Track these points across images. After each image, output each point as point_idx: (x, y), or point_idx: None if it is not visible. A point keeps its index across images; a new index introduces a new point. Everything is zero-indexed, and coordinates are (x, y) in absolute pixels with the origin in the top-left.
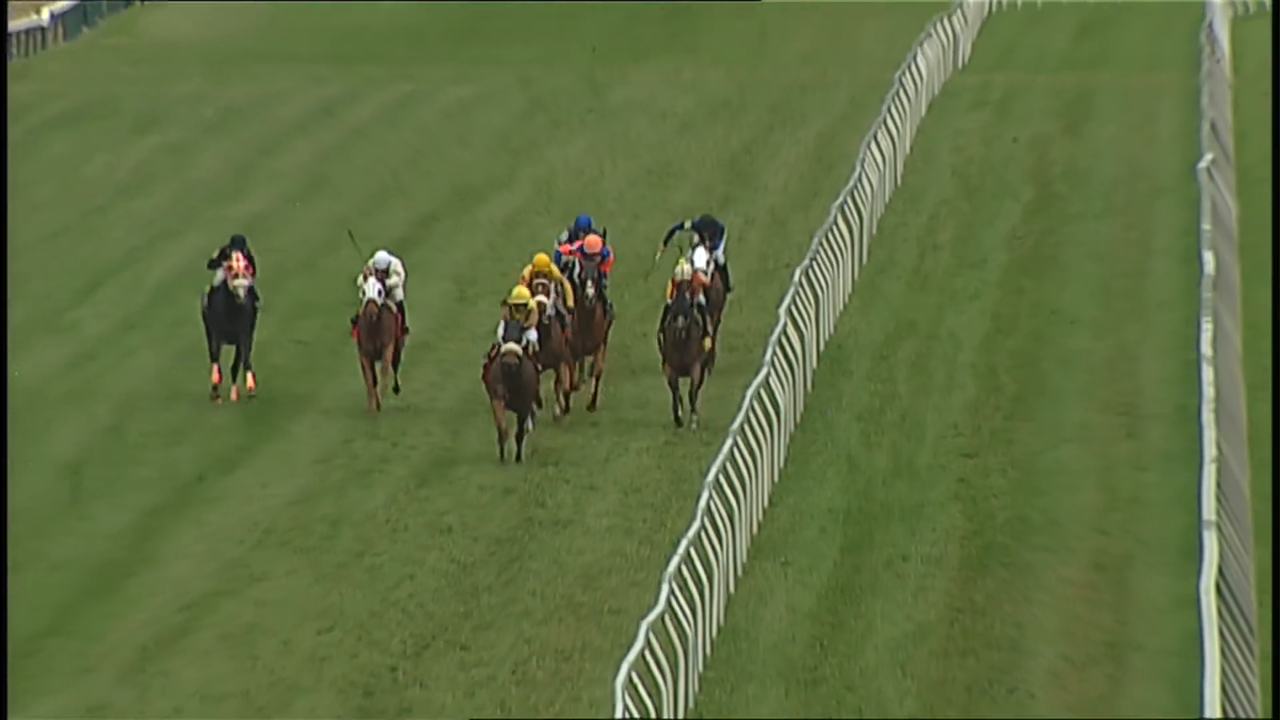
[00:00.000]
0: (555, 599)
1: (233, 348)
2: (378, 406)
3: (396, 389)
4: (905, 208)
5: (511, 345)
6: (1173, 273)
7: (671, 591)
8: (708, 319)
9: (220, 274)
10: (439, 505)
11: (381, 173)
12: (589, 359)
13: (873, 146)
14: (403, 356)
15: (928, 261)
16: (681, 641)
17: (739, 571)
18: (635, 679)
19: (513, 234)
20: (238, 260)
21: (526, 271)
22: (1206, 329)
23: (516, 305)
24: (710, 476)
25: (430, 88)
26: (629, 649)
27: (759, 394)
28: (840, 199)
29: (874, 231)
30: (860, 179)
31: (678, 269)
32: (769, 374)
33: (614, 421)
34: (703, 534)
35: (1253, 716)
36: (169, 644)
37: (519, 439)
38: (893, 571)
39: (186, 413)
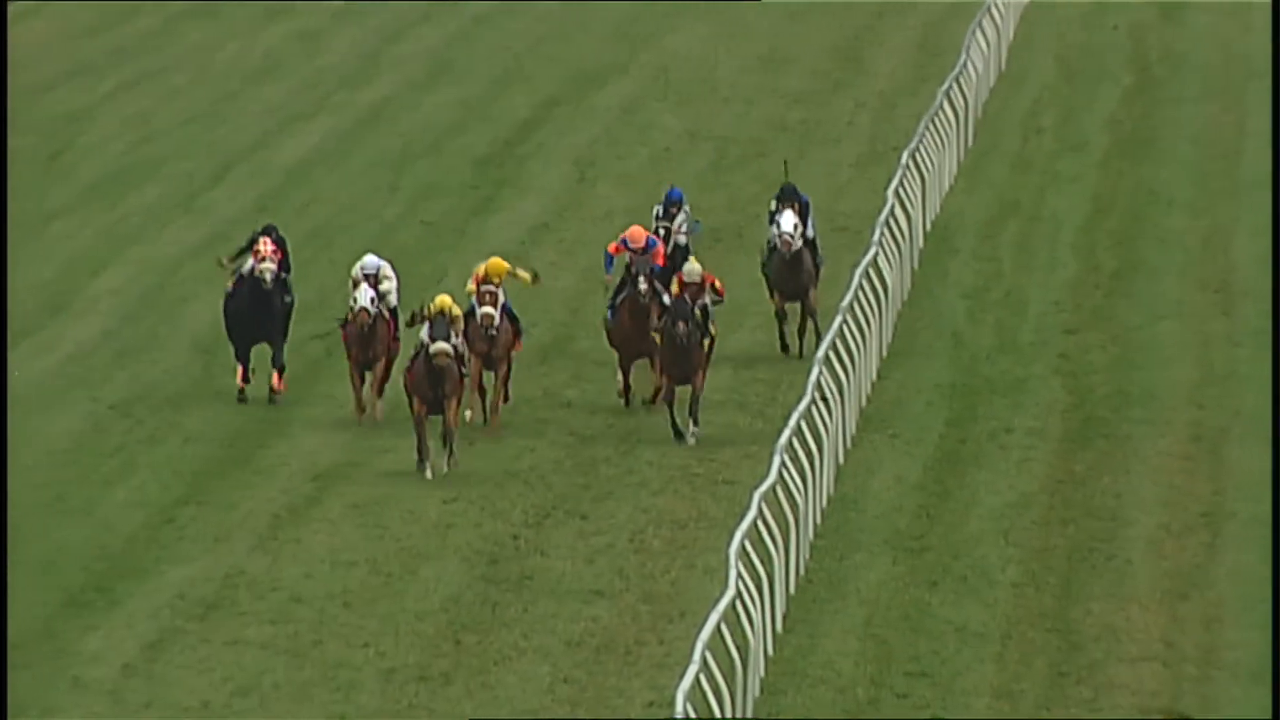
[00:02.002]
0: (671, 470)
1: (262, 348)
2: (363, 411)
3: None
4: (1009, 92)
5: (441, 344)
6: (1265, 154)
7: (783, 463)
8: (710, 322)
9: (248, 261)
10: (558, 380)
11: (504, 57)
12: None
13: (978, 33)
14: (393, 372)
15: (1030, 144)
16: (792, 511)
17: (848, 443)
18: (748, 547)
19: (631, 119)
20: (265, 244)
21: (480, 270)
22: None
23: (440, 313)
24: (821, 352)
25: None
26: (742, 518)
27: (867, 273)
28: (946, 84)
29: (979, 115)
30: (966, 65)
31: (686, 268)
32: (877, 253)
33: (732, 299)
34: (813, 408)
35: None
36: (300, 513)
37: (446, 446)
38: (996, 443)
39: (316, 292)
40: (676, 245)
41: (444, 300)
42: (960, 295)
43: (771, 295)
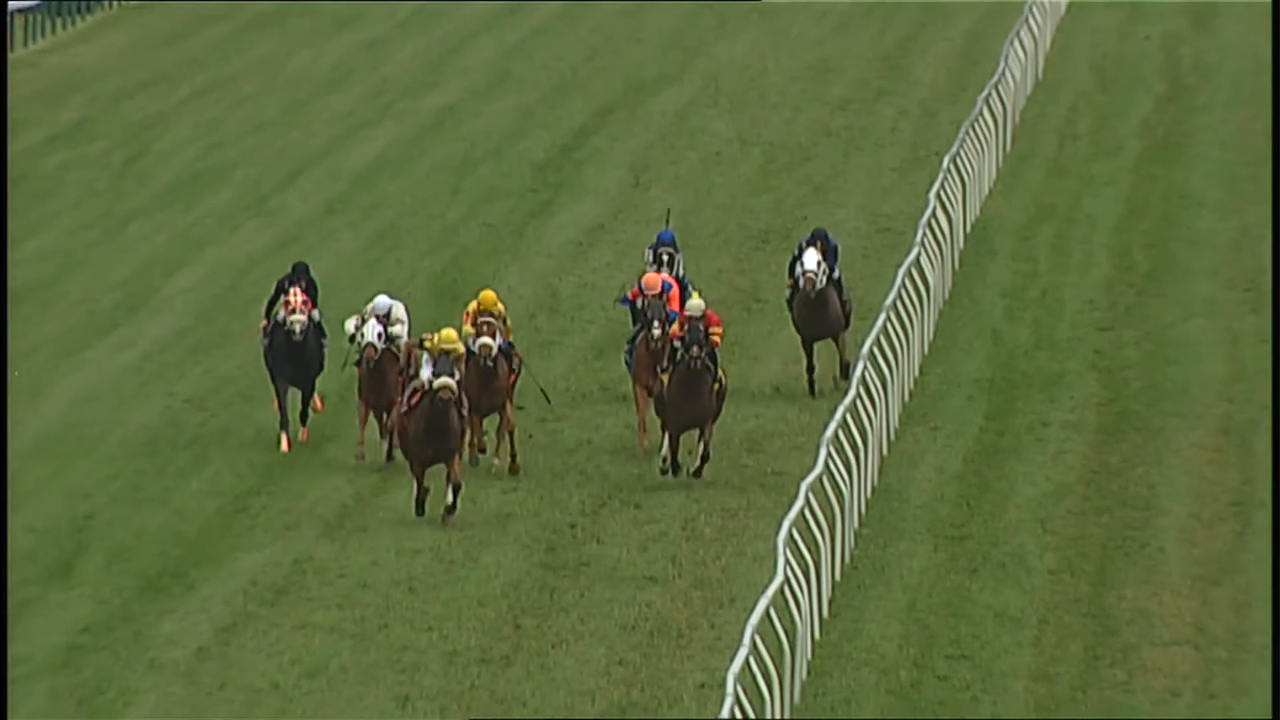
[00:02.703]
0: (722, 462)
1: (299, 392)
2: (362, 456)
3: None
4: (1045, 100)
5: (446, 380)
6: None
7: (829, 455)
8: (718, 364)
9: (280, 312)
10: (614, 375)
11: (561, 67)
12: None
13: (1016, 43)
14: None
15: (1066, 150)
16: (838, 500)
17: (891, 436)
18: (795, 535)
19: (683, 124)
20: (295, 295)
21: (471, 307)
22: None
23: (446, 350)
24: (865, 349)
25: None
26: (790, 507)
27: (910, 272)
28: (986, 92)
29: (1017, 122)
30: (1004, 73)
31: (690, 303)
32: (919, 254)
33: (778, 299)
34: (858, 402)
35: None
36: (367, 502)
37: (454, 490)
38: (1034, 436)
39: (381, 290)
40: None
41: (448, 334)
42: (999, 294)
43: (801, 338)
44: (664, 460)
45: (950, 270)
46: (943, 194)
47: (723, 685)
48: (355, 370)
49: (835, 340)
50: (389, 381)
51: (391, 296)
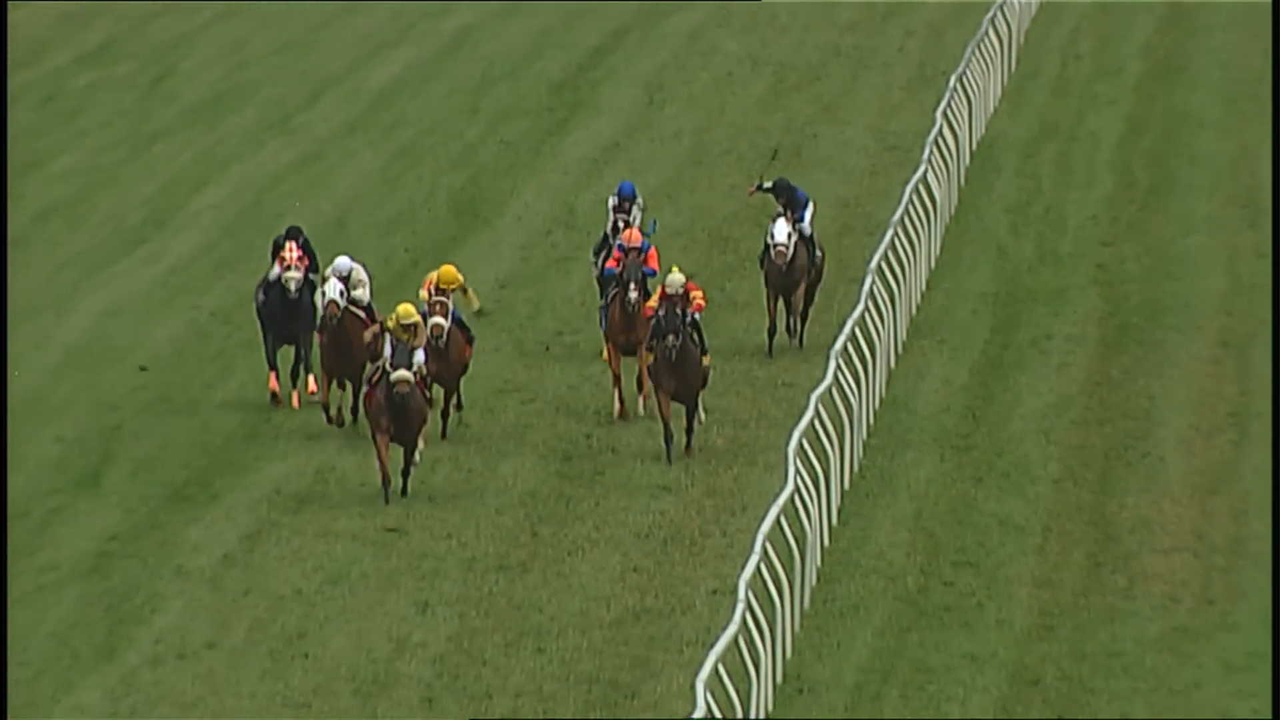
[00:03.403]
0: (734, 373)
1: (291, 349)
2: (340, 423)
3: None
4: (1049, 20)
5: (403, 373)
6: None
7: (838, 367)
8: (702, 336)
9: (275, 268)
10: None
11: None
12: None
13: None
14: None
15: (1069, 69)
16: (847, 412)
17: (899, 349)
18: (805, 446)
19: (695, 45)
20: (290, 250)
21: (432, 277)
22: None
23: (405, 325)
24: (873, 263)
25: None
26: (800, 418)
27: (917, 189)
28: (991, 12)
29: (1021, 42)
30: None
31: (669, 278)
32: (926, 171)
33: None
34: (866, 315)
35: None
36: None
37: (405, 474)
38: (1037, 349)
39: (402, 207)
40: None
41: (406, 309)
42: (1004, 210)
43: (766, 296)
44: (664, 438)
45: (956, 187)
46: (949, 112)
47: (734, 591)
48: (318, 338)
49: (792, 297)
50: (354, 346)
51: (353, 259)
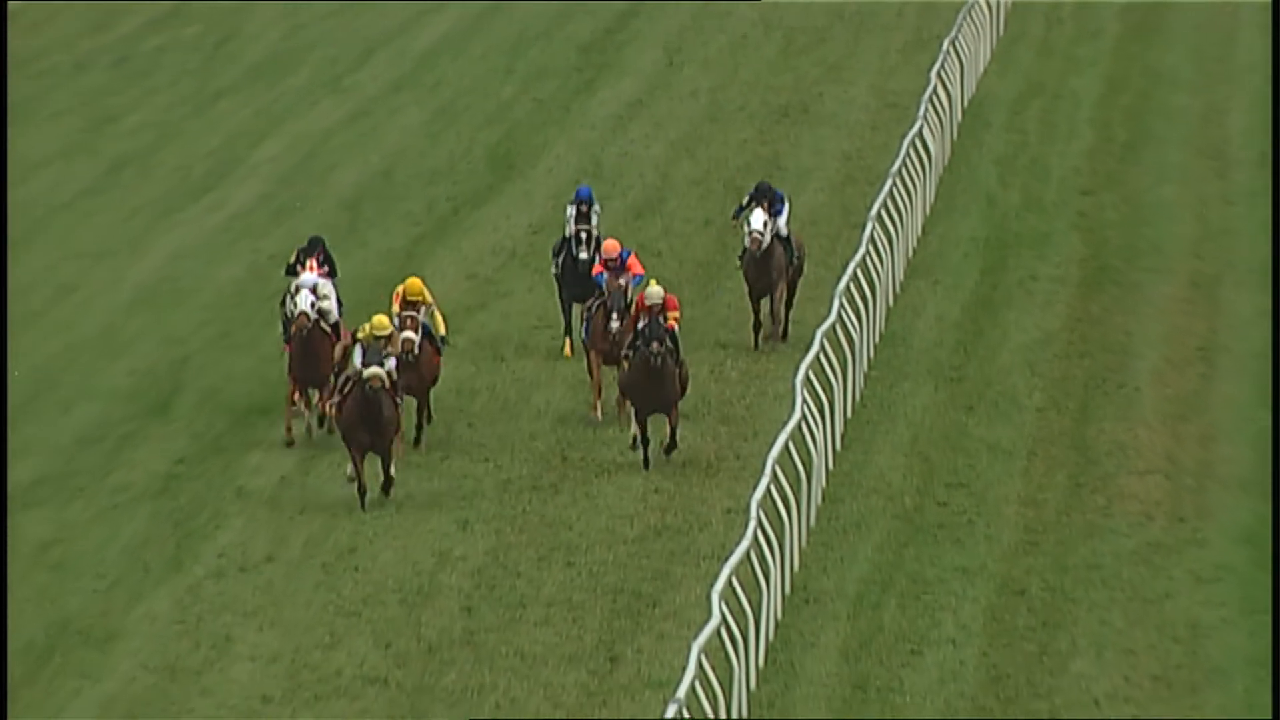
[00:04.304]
0: (745, 311)
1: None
2: (303, 435)
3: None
4: None
5: (375, 369)
6: (1259, 40)
7: (842, 305)
8: (680, 346)
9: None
10: (649, 234)
11: None
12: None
13: None
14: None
15: (1053, 32)
16: (849, 346)
17: (897, 289)
18: (812, 377)
19: (712, 9)
20: (310, 269)
21: (400, 290)
22: None
23: (379, 336)
24: (874, 211)
25: None
26: (806, 352)
27: (913, 143)
28: None
29: (1009, 7)
30: None
31: (648, 290)
32: (922, 126)
33: (797, 166)
34: (867, 258)
35: None
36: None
37: (385, 488)
38: (1023, 289)
39: (443, 159)
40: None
41: (381, 320)
42: (993, 162)
43: (748, 293)
44: (634, 439)
45: (949, 141)
46: (943, 73)
47: (747, 510)
48: (286, 350)
49: (772, 292)
50: (321, 358)
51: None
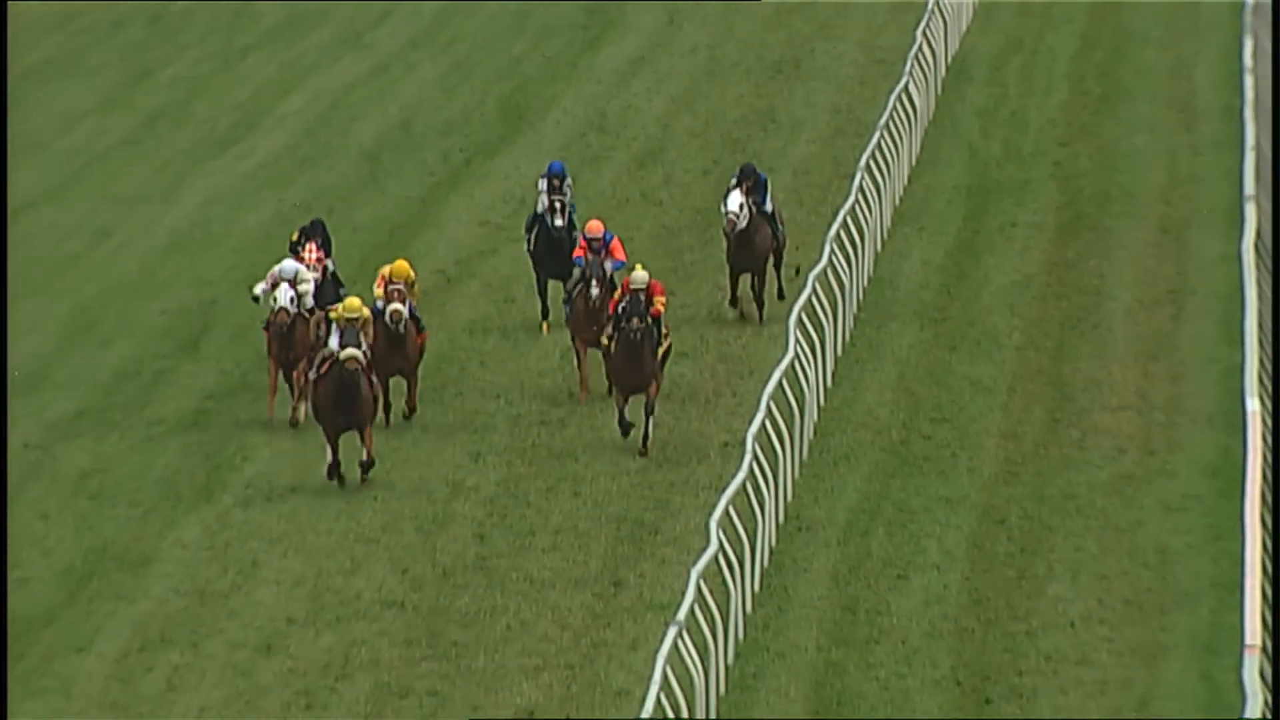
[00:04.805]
0: None
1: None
2: (289, 414)
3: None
4: None
5: (352, 350)
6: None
7: (832, 250)
8: (662, 328)
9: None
10: (651, 183)
11: None
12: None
13: None
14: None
15: None
16: (840, 289)
17: (884, 235)
18: (804, 318)
19: None
20: (309, 252)
21: (385, 272)
22: (1248, 44)
23: (350, 319)
24: (862, 161)
25: None
26: (799, 294)
27: (900, 97)
28: None
29: None
30: None
31: (634, 274)
32: (908, 81)
33: (790, 119)
34: (856, 206)
35: None
36: (444, 290)
37: (364, 468)
38: (1003, 234)
39: (457, 112)
40: (571, 220)
41: (353, 302)
42: (974, 115)
43: (729, 270)
44: (619, 422)
45: (934, 95)
46: (928, 31)
47: (743, 443)
48: (265, 334)
49: (760, 275)
50: (299, 343)
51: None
